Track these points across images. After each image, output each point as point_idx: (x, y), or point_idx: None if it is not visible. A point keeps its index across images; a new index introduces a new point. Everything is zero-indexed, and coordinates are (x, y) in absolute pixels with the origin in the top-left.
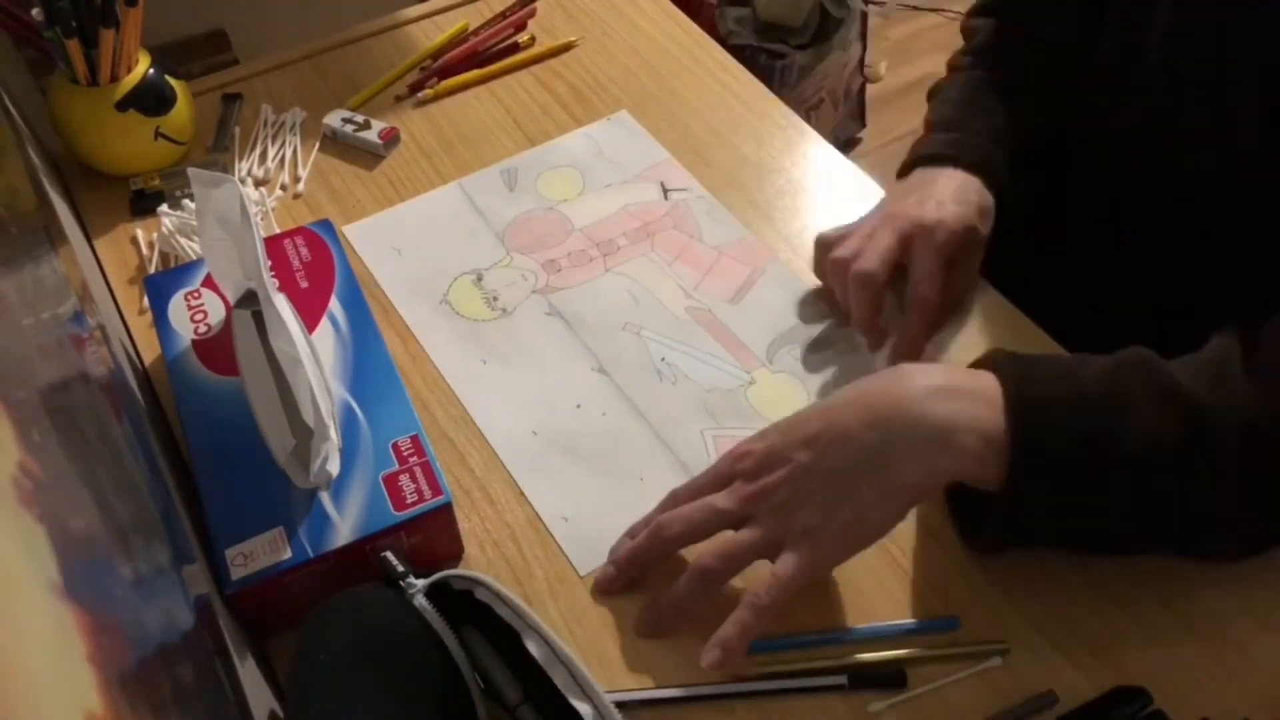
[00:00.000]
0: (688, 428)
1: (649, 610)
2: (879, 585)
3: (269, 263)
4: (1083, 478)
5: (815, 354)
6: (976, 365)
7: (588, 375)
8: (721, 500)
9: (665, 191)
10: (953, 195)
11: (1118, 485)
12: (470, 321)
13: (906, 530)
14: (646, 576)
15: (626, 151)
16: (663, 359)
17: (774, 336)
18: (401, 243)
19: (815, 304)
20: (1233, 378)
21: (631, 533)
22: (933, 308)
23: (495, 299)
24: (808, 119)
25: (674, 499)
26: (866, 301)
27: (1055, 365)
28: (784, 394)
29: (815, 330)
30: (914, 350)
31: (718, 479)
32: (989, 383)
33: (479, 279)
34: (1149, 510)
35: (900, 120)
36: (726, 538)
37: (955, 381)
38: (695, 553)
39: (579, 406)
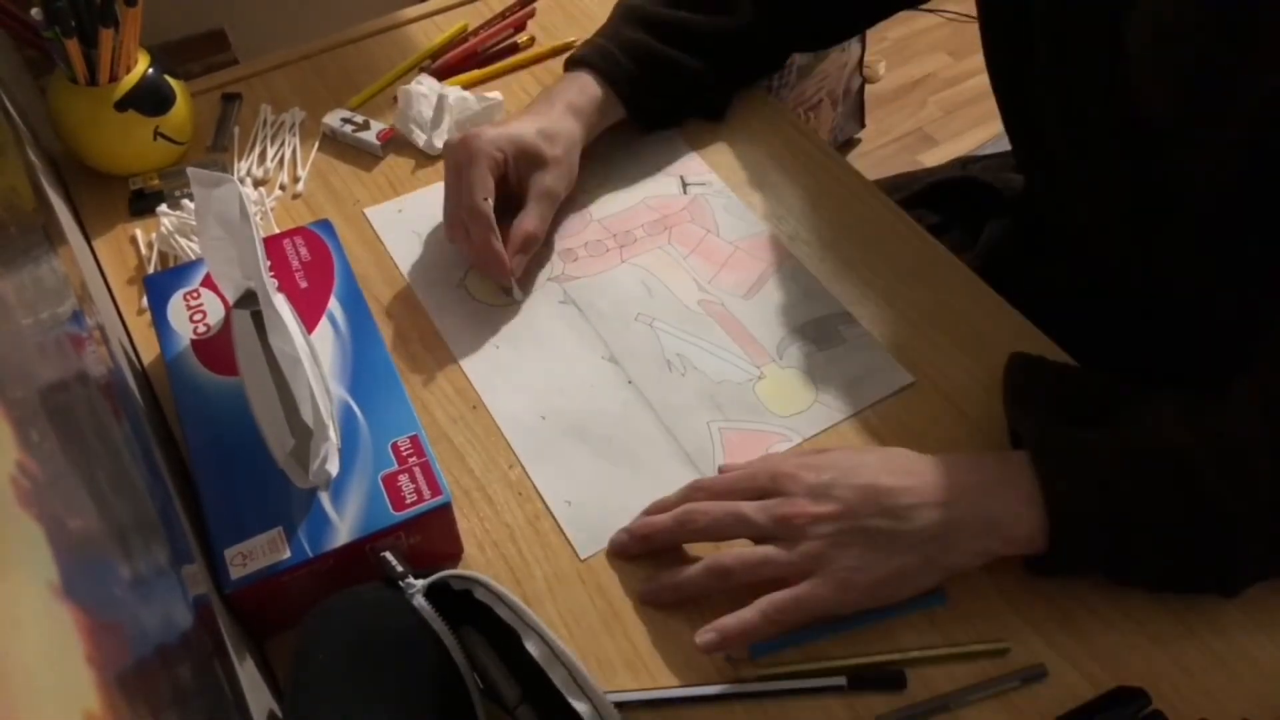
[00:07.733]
0: (695, 419)
1: (653, 581)
2: None
3: (268, 262)
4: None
5: (825, 351)
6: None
7: (598, 363)
8: (754, 513)
9: (684, 185)
10: (527, 115)
11: (1154, 559)
12: (485, 305)
13: None
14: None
15: (648, 145)
16: (676, 353)
17: (785, 332)
18: (422, 226)
19: (828, 301)
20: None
21: (648, 511)
22: (480, 215)
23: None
24: (807, 119)
25: (698, 489)
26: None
27: (1090, 467)
28: (792, 389)
29: (827, 327)
30: (478, 255)
31: (751, 486)
32: (1027, 479)
33: None
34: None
35: (899, 120)
36: (756, 550)
37: (1009, 475)
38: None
39: (588, 394)
